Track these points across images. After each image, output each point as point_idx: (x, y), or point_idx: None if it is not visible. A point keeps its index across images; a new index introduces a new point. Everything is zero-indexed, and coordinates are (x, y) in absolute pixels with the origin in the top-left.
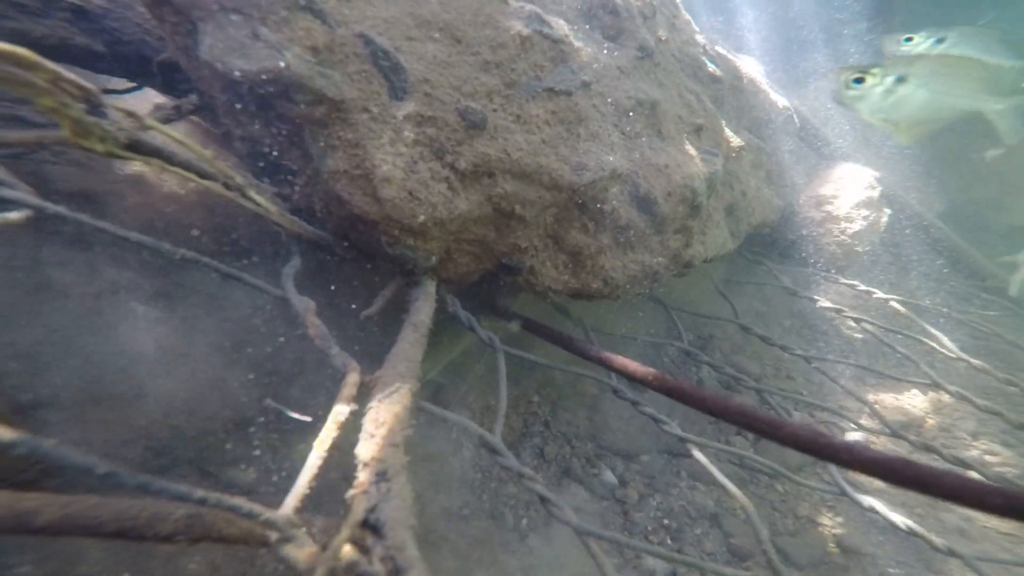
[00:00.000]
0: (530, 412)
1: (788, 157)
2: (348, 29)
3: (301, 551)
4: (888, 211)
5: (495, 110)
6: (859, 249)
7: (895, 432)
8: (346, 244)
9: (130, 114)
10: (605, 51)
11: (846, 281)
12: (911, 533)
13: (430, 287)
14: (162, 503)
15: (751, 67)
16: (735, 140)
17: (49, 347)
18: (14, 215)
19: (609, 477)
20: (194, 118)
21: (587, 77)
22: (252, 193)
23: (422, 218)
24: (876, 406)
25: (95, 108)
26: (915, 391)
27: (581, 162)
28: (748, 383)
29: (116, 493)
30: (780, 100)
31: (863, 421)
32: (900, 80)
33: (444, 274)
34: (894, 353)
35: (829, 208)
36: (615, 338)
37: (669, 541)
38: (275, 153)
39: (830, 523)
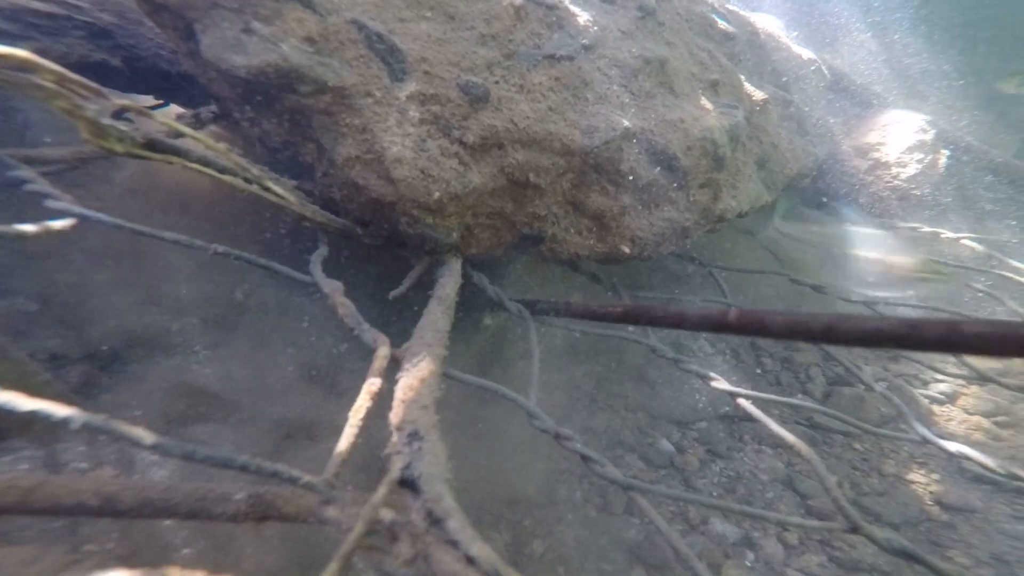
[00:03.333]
0: (572, 386)
1: (822, 108)
2: (339, 16)
3: (342, 511)
4: (947, 152)
5: (497, 82)
6: (917, 192)
7: (984, 376)
8: (368, 228)
9: (143, 112)
10: (605, 13)
11: (905, 224)
12: (1011, 477)
13: (455, 264)
14: (226, 485)
15: (768, 23)
16: (758, 94)
17: None
18: (60, 223)
19: (665, 445)
20: (215, 128)
21: (587, 41)
22: (270, 184)
23: (437, 195)
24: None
25: (120, 114)
26: None
27: (591, 124)
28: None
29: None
30: (805, 53)
31: (952, 369)
32: None
33: (467, 250)
34: (975, 294)
35: (876, 155)
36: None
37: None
38: (290, 148)
39: (923, 480)
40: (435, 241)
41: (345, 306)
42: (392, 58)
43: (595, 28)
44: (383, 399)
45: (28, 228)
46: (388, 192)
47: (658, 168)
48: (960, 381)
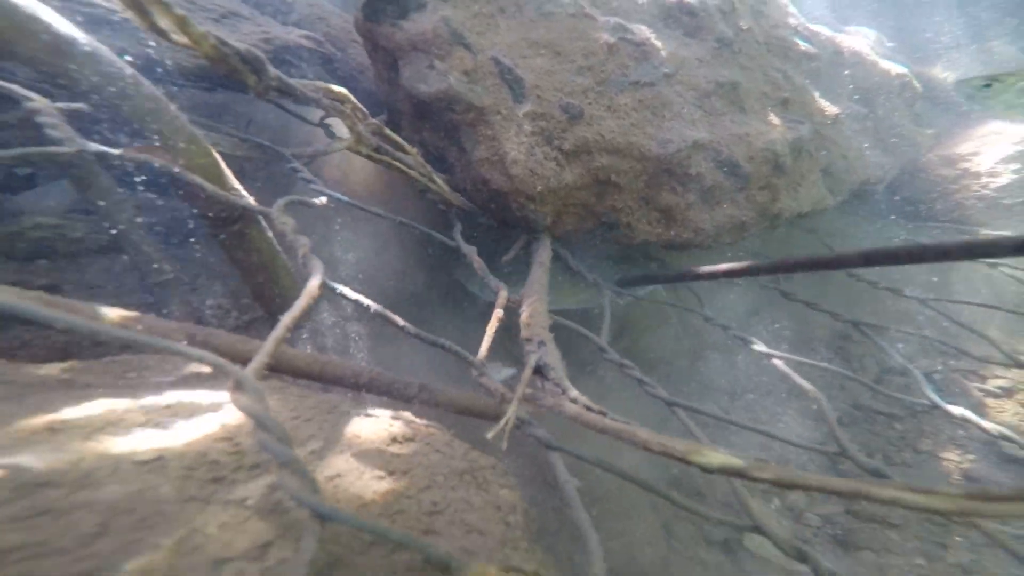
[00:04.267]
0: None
1: (908, 120)
2: (484, 54)
3: (488, 381)
4: None
5: (590, 103)
6: (1007, 202)
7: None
8: (489, 211)
9: (378, 127)
10: (685, 46)
11: (986, 232)
12: (1002, 438)
13: (547, 240)
14: (406, 378)
15: (855, 41)
16: (831, 109)
17: None
18: (319, 200)
19: (714, 410)
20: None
21: (668, 70)
22: (435, 177)
23: (539, 188)
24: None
25: (364, 120)
26: None
27: (666, 137)
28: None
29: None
30: (894, 68)
31: (1004, 372)
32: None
33: (556, 231)
34: None
35: (966, 165)
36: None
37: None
38: (440, 150)
39: (956, 458)
40: (534, 222)
41: (479, 262)
42: (516, 85)
43: (675, 59)
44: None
45: (315, 200)
46: (506, 185)
47: (722, 173)
48: (1022, 379)
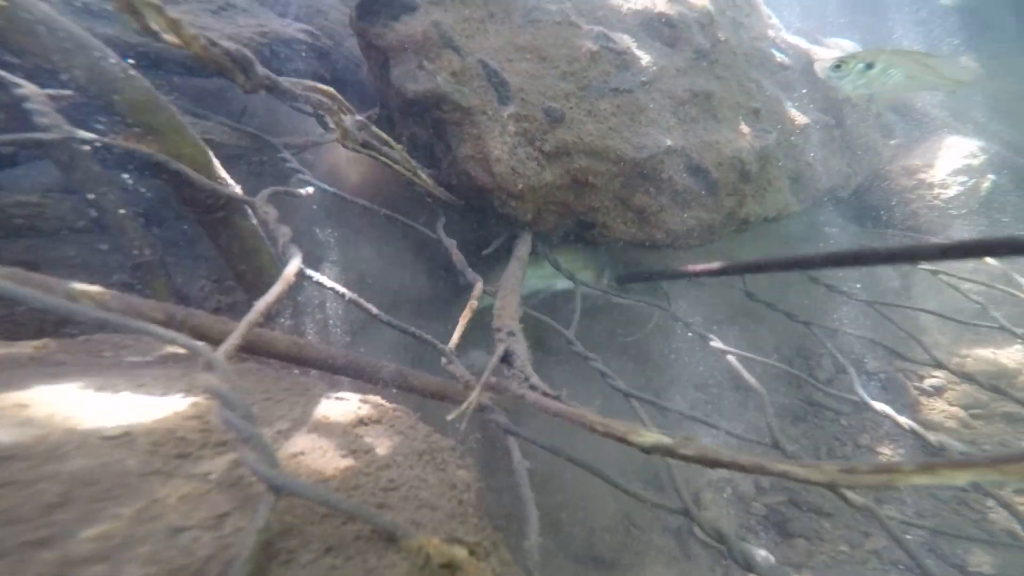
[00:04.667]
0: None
1: (875, 131)
2: (472, 57)
3: (457, 367)
4: (992, 177)
5: (571, 107)
6: (954, 213)
7: (966, 376)
8: (472, 206)
9: (363, 123)
10: (664, 55)
11: (935, 240)
12: (911, 431)
13: (527, 236)
14: (379, 362)
15: (829, 53)
16: (800, 119)
17: None
18: (306, 191)
19: (679, 404)
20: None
21: (646, 78)
22: (419, 172)
23: (520, 186)
24: (964, 357)
25: (350, 116)
26: (1018, 346)
27: (641, 142)
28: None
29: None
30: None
31: (938, 373)
32: (869, 66)
33: (536, 228)
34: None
35: (922, 176)
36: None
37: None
38: (428, 146)
39: (890, 452)
40: (515, 219)
41: (458, 256)
42: (502, 88)
43: (654, 68)
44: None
45: (302, 192)
46: (488, 182)
47: (693, 178)
48: (953, 379)
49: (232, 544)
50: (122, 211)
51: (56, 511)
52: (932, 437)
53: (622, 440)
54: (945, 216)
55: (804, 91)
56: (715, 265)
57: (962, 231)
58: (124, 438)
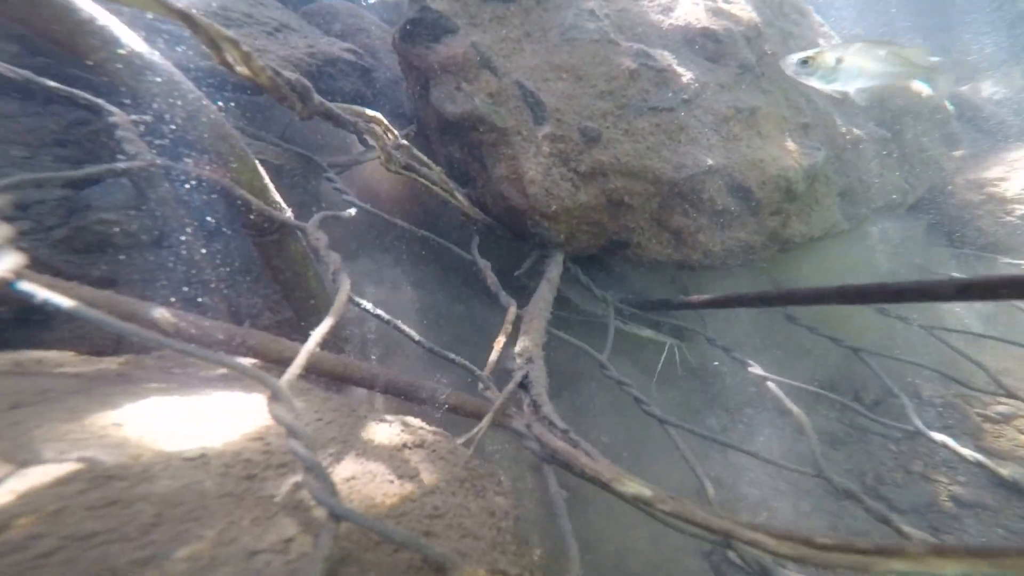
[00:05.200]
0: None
1: (938, 143)
2: (508, 78)
3: (493, 392)
4: None
5: (608, 127)
6: None
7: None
8: (505, 226)
9: (406, 147)
10: (708, 71)
11: (1006, 260)
12: (978, 464)
13: (559, 257)
14: (419, 381)
15: None
16: (853, 133)
17: None
18: (349, 212)
19: (712, 423)
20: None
21: (687, 95)
22: (457, 194)
23: (554, 207)
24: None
25: (392, 137)
26: None
27: (680, 162)
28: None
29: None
30: (924, 90)
31: (1006, 400)
32: (839, 60)
33: (569, 248)
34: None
35: (992, 190)
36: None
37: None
38: (463, 165)
39: (946, 480)
40: (548, 239)
41: (491, 278)
42: (537, 108)
43: (696, 84)
44: (511, 337)
45: (346, 213)
46: (522, 202)
47: (734, 198)
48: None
49: (298, 569)
50: (188, 229)
51: (153, 530)
52: (1005, 471)
53: (606, 487)
54: (1018, 234)
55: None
56: (719, 296)
57: None
58: (201, 459)
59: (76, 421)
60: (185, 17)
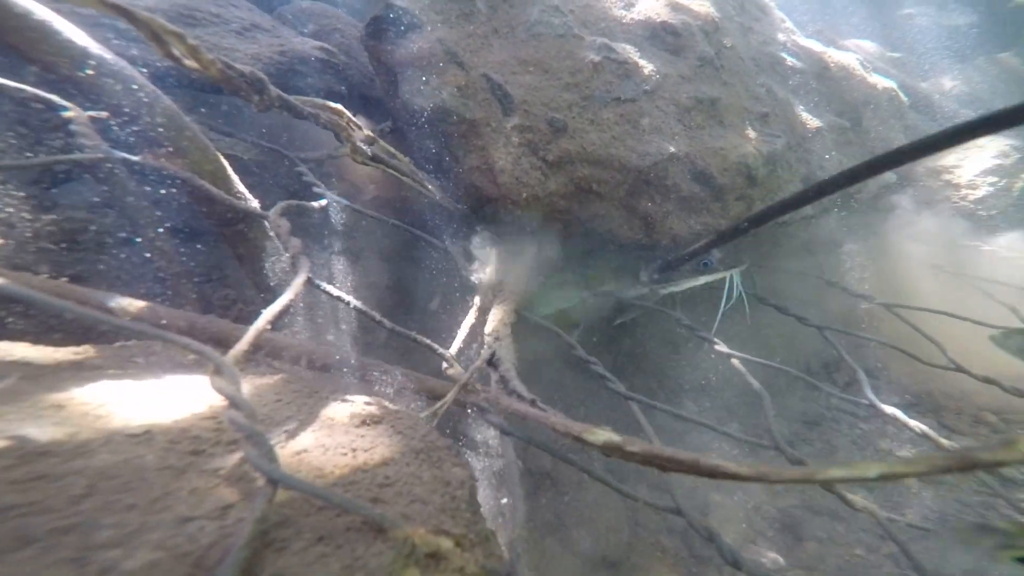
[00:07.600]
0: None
1: (897, 132)
2: (476, 71)
3: (457, 370)
4: None
5: (574, 118)
6: (983, 214)
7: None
8: (478, 214)
9: (372, 138)
10: (668, 63)
11: (969, 243)
12: (924, 436)
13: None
14: (383, 365)
15: (844, 56)
16: (813, 122)
17: None
18: (320, 203)
19: (690, 407)
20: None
21: (649, 87)
22: (425, 183)
23: (525, 195)
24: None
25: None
26: None
27: (644, 150)
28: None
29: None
30: (881, 82)
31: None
32: None
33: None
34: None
35: (948, 177)
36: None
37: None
38: (436, 157)
39: (910, 455)
40: (521, 226)
41: (462, 262)
42: (505, 101)
43: (658, 76)
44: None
45: (314, 204)
46: (494, 191)
47: (698, 184)
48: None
49: (233, 533)
50: (154, 225)
51: (82, 502)
52: (944, 441)
53: (578, 439)
54: (974, 217)
55: (818, 93)
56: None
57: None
58: (145, 435)
59: (13, 403)
60: (123, 12)
